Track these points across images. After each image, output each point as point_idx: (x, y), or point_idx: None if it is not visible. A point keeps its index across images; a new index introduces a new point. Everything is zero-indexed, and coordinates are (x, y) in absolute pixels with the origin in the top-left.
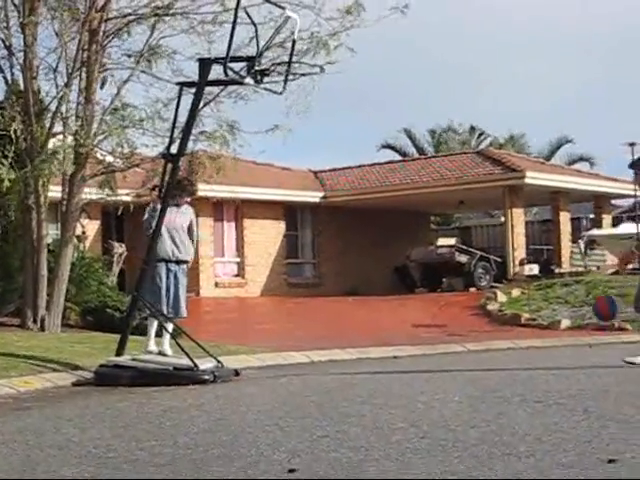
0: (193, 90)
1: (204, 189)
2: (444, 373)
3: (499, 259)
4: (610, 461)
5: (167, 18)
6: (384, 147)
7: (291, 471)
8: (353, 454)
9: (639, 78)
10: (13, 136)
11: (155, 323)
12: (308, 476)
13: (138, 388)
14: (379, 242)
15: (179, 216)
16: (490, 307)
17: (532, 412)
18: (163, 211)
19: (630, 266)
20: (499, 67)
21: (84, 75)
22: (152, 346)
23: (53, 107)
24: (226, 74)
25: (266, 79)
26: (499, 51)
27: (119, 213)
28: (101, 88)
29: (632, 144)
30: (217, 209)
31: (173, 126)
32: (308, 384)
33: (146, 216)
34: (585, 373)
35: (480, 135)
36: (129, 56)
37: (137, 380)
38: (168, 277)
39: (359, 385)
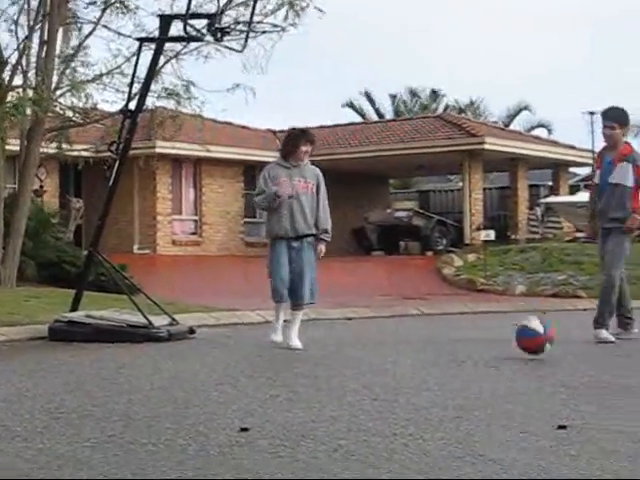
0: (154, 46)
1: (163, 146)
2: (398, 336)
3: (456, 224)
4: (560, 427)
5: None
6: (347, 105)
7: (243, 430)
8: (305, 414)
9: (599, 46)
10: None
11: (281, 311)
12: (260, 435)
13: (92, 344)
14: (338, 204)
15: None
16: (446, 271)
17: (485, 376)
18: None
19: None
20: (461, 32)
21: (45, 28)
22: (279, 335)
23: (13, 60)
24: (186, 31)
25: (227, 37)
26: (463, 16)
27: (78, 168)
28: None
29: (592, 113)
30: (175, 166)
31: (132, 82)
32: (262, 344)
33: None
34: None
35: (440, 100)
36: (93, 3)
37: (91, 336)
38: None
39: (313, 346)
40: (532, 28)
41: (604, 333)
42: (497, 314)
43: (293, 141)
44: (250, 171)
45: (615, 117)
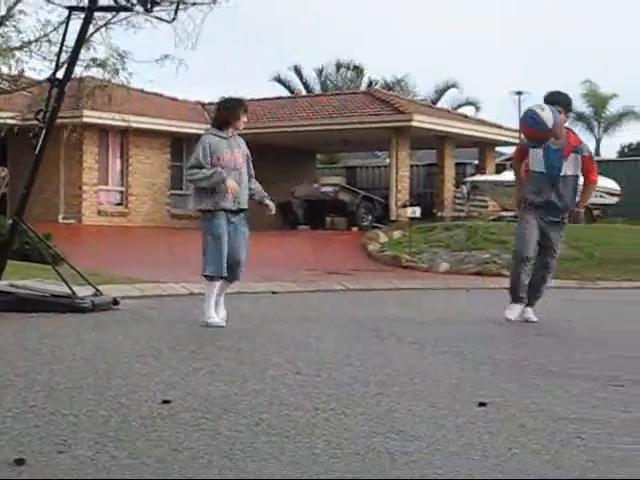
0: (83, 15)
1: (90, 115)
2: (322, 311)
3: (382, 200)
4: (481, 404)
5: None
6: (275, 80)
7: (165, 402)
8: (227, 387)
9: (528, 27)
10: None
11: (215, 289)
12: (182, 408)
13: (15, 314)
14: (265, 178)
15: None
16: (371, 247)
17: (407, 353)
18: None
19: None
20: (389, 8)
21: None
22: (213, 315)
23: None
24: (115, 0)
25: (157, 7)
26: None
27: (2, 135)
28: None
29: (519, 93)
30: (102, 136)
31: (60, 50)
32: (186, 316)
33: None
34: (447, 317)
35: (364, 75)
36: None
37: (14, 306)
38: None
39: (237, 319)
40: (462, 6)
41: (529, 312)
42: (421, 291)
43: (233, 110)
44: (177, 143)
45: (560, 102)
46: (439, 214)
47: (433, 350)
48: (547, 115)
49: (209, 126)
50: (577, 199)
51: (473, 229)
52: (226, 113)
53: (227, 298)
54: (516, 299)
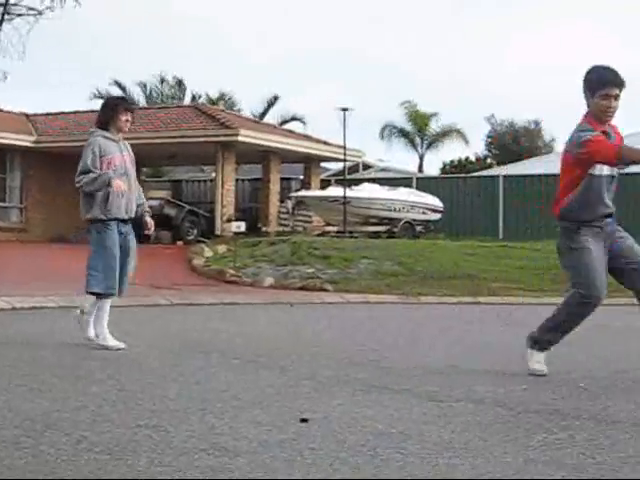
0: None
1: None
2: (146, 325)
3: (208, 214)
4: (302, 420)
5: None
6: (96, 97)
7: None
8: (49, 404)
9: (354, 43)
10: None
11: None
12: (3, 425)
13: None
14: None
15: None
16: (196, 262)
17: (231, 368)
18: None
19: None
20: (211, 20)
21: None
22: (91, 331)
23: None
24: None
25: None
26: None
27: None
28: None
29: (345, 109)
30: None
31: None
32: (10, 332)
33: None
34: (271, 332)
35: (189, 89)
36: None
37: None
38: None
39: (61, 333)
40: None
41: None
42: (245, 305)
43: (109, 110)
44: (1, 154)
45: (623, 83)
46: (264, 229)
47: (256, 366)
48: None
49: (93, 128)
50: None
51: (297, 244)
52: (102, 113)
53: (49, 313)
54: (547, 346)
